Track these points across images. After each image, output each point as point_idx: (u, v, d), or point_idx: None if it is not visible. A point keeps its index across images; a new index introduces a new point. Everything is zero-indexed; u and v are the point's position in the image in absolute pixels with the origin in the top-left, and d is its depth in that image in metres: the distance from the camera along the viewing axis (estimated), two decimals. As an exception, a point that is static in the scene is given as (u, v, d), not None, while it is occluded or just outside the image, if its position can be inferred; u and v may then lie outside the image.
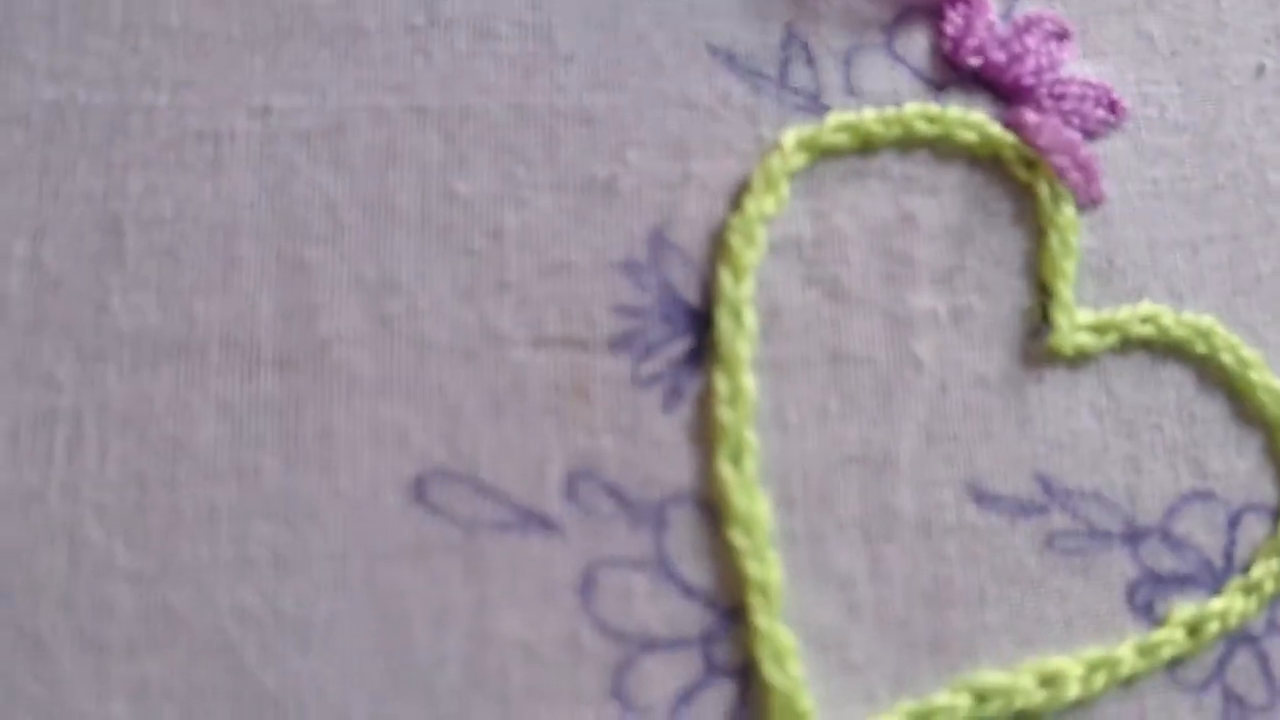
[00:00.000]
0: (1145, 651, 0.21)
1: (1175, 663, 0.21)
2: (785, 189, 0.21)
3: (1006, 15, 0.24)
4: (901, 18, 0.23)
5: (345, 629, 0.18)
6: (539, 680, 0.18)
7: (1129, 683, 0.20)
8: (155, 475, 0.18)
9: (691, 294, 0.21)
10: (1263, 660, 0.21)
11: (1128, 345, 0.22)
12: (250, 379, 0.19)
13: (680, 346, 0.20)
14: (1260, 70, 0.24)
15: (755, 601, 0.19)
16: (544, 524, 0.19)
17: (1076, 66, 0.23)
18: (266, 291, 0.19)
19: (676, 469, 0.20)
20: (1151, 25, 0.24)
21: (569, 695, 0.18)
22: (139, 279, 0.19)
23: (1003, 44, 0.23)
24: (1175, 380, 0.22)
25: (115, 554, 0.18)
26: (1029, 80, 0.23)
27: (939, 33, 0.23)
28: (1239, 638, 0.21)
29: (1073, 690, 0.20)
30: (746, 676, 0.19)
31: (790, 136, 0.21)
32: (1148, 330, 0.22)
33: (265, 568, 0.18)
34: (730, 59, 0.22)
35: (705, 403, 0.20)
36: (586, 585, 0.19)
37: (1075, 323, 0.22)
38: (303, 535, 0.18)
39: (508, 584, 0.19)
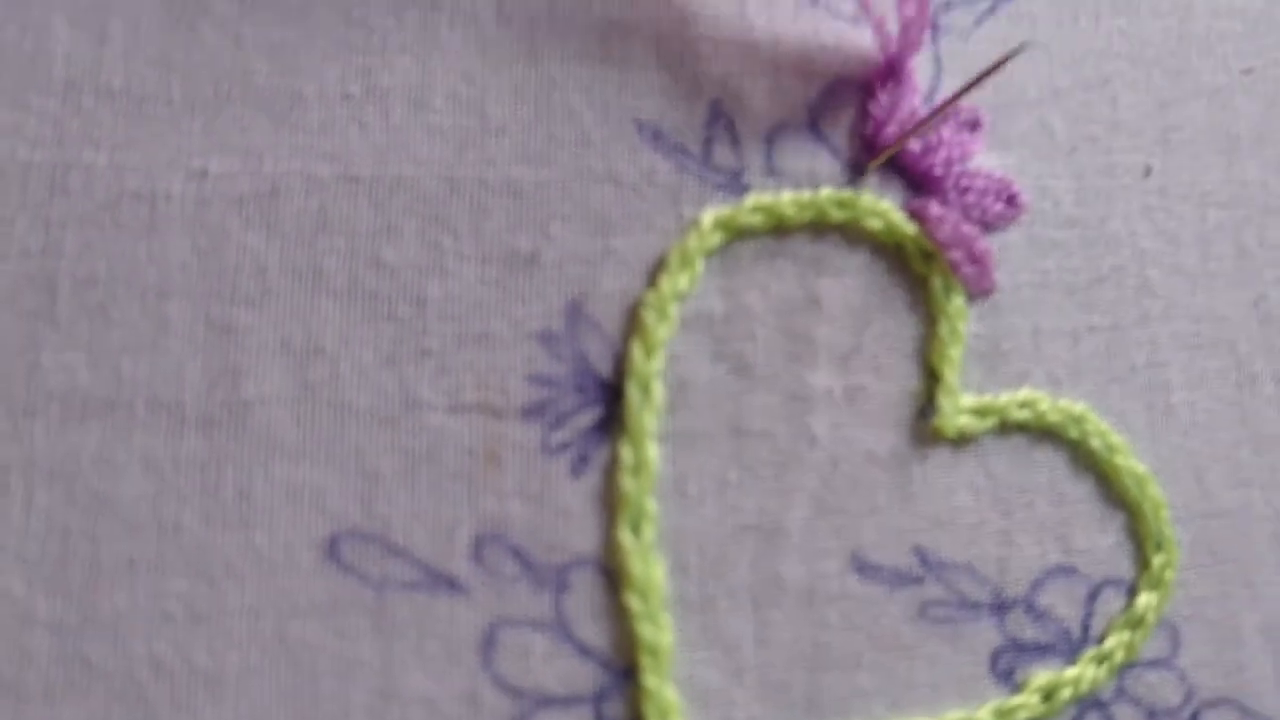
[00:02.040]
0: (1003, 715, 0.22)
1: (1031, 725, 0.23)
2: (700, 266, 0.22)
3: (930, 96, 0.25)
4: (827, 94, 0.24)
5: (255, 682, 0.19)
6: (439, 733, 0.20)
7: (986, 743, 0.22)
8: (78, 529, 0.19)
9: (604, 366, 0.22)
10: (1109, 724, 0.23)
11: (1007, 428, 0.24)
12: (174, 438, 0.19)
13: (590, 416, 0.22)
14: (1147, 171, 0.26)
15: (646, 662, 0.21)
16: (450, 585, 0.20)
17: (984, 158, 0.25)
18: (194, 353, 0.20)
19: (580, 535, 0.21)
20: (1055, 120, 0.26)
21: (466, 746, 0.20)
22: (71, 337, 0.19)
23: (919, 135, 0.24)
24: (1048, 462, 0.24)
25: (36, 605, 0.18)
26: (939, 171, 0.24)
27: (863, 112, 0.24)
28: (1089, 703, 0.23)
29: (934, 749, 0.22)
30: (634, 731, 0.20)
31: (708, 216, 0.23)
32: (1025, 415, 0.24)
33: (181, 620, 0.19)
34: (657, 136, 0.23)
35: (610, 471, 0.21)
36: (488, 644, 0.20)
37: (959, 406, 0.23)
38: (218, 590, 0.19)
39: (413, 642, 0.20)
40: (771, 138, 0.23)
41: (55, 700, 0.18)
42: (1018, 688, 0.23)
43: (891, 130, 0.24)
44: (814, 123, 0.24)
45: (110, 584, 0.19)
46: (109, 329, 0.19)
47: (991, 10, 0.26)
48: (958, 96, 0.23)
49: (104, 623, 0.18)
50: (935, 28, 0.25)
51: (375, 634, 0.20)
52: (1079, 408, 0.24)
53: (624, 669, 0.21)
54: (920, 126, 0.23)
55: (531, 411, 0.21)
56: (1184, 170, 0.26)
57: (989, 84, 0.25)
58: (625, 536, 0.21)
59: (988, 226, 0.24)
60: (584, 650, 0.21)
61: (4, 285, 0.19)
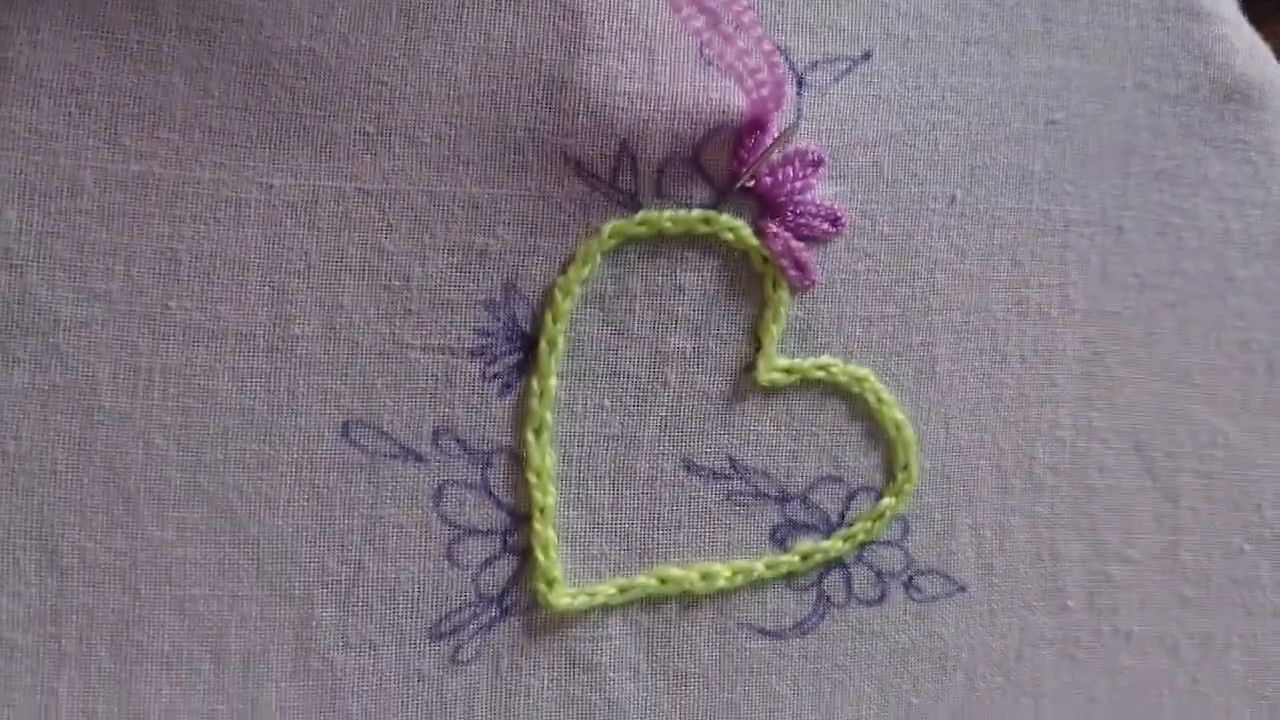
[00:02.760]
0: (771, 566, 0.35)
1: (791, 575, 0.35)
2: (599, 261, 0.33)
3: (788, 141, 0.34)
4: (709, 136, 0.34)
5: (296, 506, 0.32)
6: (404, 545, 0.32)
7: (759, 584, 0.35)
8: (191, 408, 0.31)
9: (527, 325, 0.33)
10: (847, 579, 0.35)
11: (807, 382, 0.35)
12: (250, 358, 0.31)
13: (515, 358, 0.33)
14: (952, 200, 0.35)
15: (536, 514, 0.33)
16: (417, 457, 0.32)
17: (823, 187, 0.34)
18: (263, 304, 0.31)
19: (501, 433, 0.33)
20: (884, 158, 0.35)
21: (420, 554, 0.33)
22: (189, 290, 0.31)
23: (771, 171, 0.34)
24: (834, 407, 0.35)
25: (169, 451, 0.31)
26: (782, 199, 0.34)
27: (734, 151, 0.34)
28: (835, 564, 0.35)
29: (720, 584, 0.34)
30: (526, 555, 0.33)
31: (608, 227, 0.33)
32: (821, 375, 0.34)
33: (252, 467, 0.32)
34: (577, 165, 0.33)
35: (525, 394, 0.33)
36: (438, 496, 0.33)
37: (772, 366, 0.34)
38: (276, 450, 0.32)
39: (392, 490, 0.32)
40: (663, 168, 0.33)
41: (179, 506, 0.31)
42: (786, 551, 0.35)
43: (747, 172, 0.33)
44: (696, 158, 0.33)
45: (210, 444, 0.31)
46: (211, 286, 0.31)
47: (848, 70, 0.34)
48: (772, 148, 0.32)
49: (207, 466, 0.31)
50: (800, 83, 0.34)
51: (368, 484, 0.32)
52: (862, 371, 0.35)
53: (523, 516, 0.33)
54: (756, 163, 0.33)
55: (476, 353, 0.33)
56: (982, 199, 0.35)
57: (837, 127, 0.34)
58: (530, 436, 0.33)
59: (815, 240, 0.34)
60: (499, 504, 0.33)
61: (150, 259, 0.31)
